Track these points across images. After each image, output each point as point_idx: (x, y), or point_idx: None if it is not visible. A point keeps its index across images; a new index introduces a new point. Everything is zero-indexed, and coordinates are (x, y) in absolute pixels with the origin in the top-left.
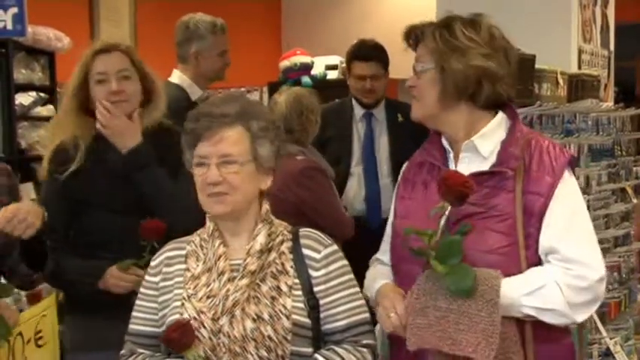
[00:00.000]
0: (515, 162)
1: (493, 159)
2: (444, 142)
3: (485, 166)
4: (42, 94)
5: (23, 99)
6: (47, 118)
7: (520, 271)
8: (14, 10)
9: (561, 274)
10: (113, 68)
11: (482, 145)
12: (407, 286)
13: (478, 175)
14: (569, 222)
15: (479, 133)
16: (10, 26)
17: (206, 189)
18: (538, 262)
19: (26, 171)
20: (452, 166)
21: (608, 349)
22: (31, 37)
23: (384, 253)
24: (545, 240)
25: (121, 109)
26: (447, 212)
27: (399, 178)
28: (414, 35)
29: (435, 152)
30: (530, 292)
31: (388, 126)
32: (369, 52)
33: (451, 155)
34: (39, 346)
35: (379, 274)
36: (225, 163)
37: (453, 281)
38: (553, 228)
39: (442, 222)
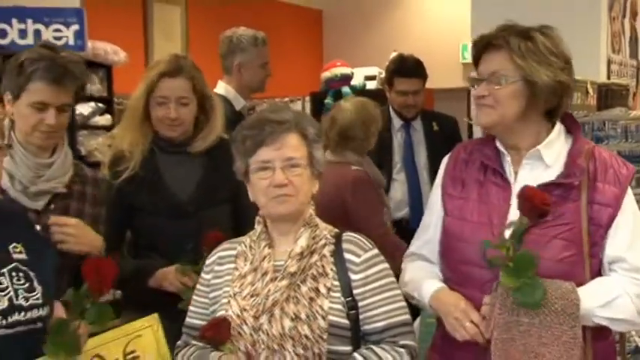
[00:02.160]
0: (582, 174)
1: (557, 168)
2: (499, 146)
3: (548, 174)
4: (100, 105)
5: (83, 109)
6: (104, 127)
7: (584, 280)
8: (75, 27)
9: (630, 284)
10: (174, 94)
11: (546, 154)
12: (468, 289)
13: (547, 186)
14: (634, 233)
15: (544, 142)
16: (71, 42)
17: (272, 191)
18: (600, 271)
19: None
20: (508, 170)
21: (637, 346)
22: (91, 52)
23: (421, 248)
24: (612, 250)
25: (174, 132)
26: (511, 218)
27: (442, 174)
28: (488, 44)
29: (489, 153)
30: (604, 305)
31: (425, 135)
32: (411, 69)
33: (508, 159)
34: None
35: (425, 272)
36: (290, 166)
37: (522, 294)
38: (620, 238)
39: (507, 232)
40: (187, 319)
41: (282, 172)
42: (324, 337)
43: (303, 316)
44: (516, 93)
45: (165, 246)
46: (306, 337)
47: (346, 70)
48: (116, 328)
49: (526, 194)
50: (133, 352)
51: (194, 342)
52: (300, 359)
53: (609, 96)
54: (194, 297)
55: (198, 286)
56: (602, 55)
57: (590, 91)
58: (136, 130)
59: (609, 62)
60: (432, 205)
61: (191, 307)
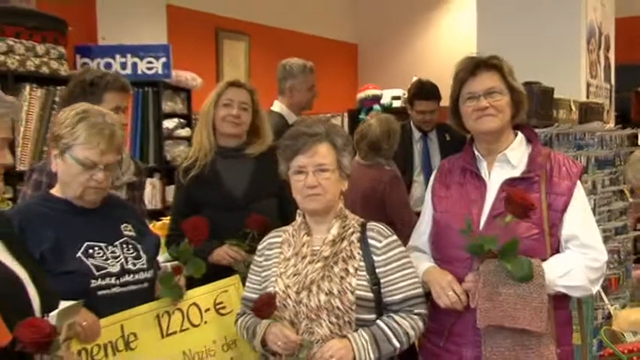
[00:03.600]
0: (540, 169)
1: (521, 167)
2: (477, 153)
3: (514, 172)
4: (182, 120)
5: (169, 124)
6: (185, 138)
7: (545, 253)
8: (163, 59)
9: (581, 258)
10: (238, 98)
11: (512, 157)
12: (453, 265)
13: (514, 180)
14: (583, 217)
15: (509, 147)
16: (160, 71)
17: (305, 191)
18: (557, 247)
19: (170, 177)
20: (484, 172)
21: (609, 313)
22: (175, 79)
23: (416, 240)
24: (567, 229)
25: (237, 129)
26: (488, 208)
27: (433, 181)
28: (478, 65)
29: (468, 159)
30: (562, 275)
31: (440, 145)
32: (429, 93)
33: (484, 163)
34: (221, 314)
35: (421, 258)
36: (320, 171)
37: (517, 271)
38: (573, 221)
39: (483, 219)
40: (244, 293)
41: (313, 175)
42: (353, 308)
43: (335, 291)
44: (509, 103)
45: (222, 231)
46: (338, 308)
47: (376, 92)
48: (207, 285)
49: (511, 195)
50: (221, 302)
51: (249, 311)
52: (333, 327)
53: (588, 112)
54: (250, 275)
55: (252, 267)
56: (582, 79)
57: (573, 108)
58: (203, 139)
59: (588, 85)
60: (425, 208)
61: (247, 284)
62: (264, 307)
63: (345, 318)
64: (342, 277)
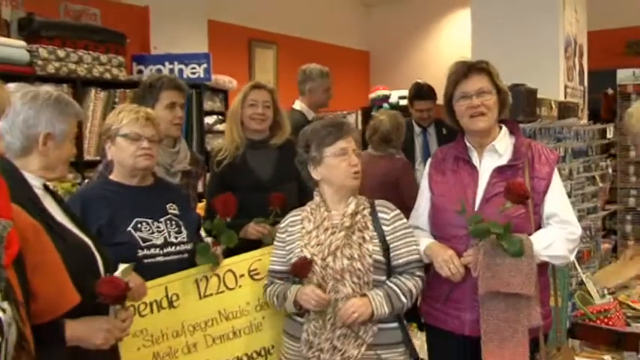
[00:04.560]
0: (524, 157)
1: (507, 156)
2: (468, 144)
3: (501, 160)
4: (220, 117)
5: (209, 120)
6: (222, 132)
7: (531, 229)
8: (205, 65)
9: (561, 232)
10: (261, 98)
11: (499, 147)
12: (451, 242)
13: (502, 167)
14: (561, 198)
15: (496, 139)
16: (202, 75)
17: (351, 169)
18: (540, 223)
19: (210, 165)
20: (475, 160)
21: (582, 280)
22: (214, 81)
23: (416, 220)
24: (548, 208)
25: (262, 125)
26: (482, 192)
27: (429, 168)
28: (470, 69)
29: (460, 149)
30: (546, 246)
31: (437, 138)
32: (425, 94)
33: (474, 152)
34: (255, 280)
35: (422, 235)
36: (357, 155)
37: (511, 248)
38: (553, 201)
39: (478, 201)
40: (270, 266)
41: (355, 157)
42: (371, 270)
43: (356, 256)
44: (496, 102)
45: (252, 210)
46: (359, 270)
47: (386, 92)
48: (243, 254)
49: (510, 184)
50: (255, 269)
51: (277, 281)
52: (355, 286)
53: (566, 110)
54: (274, 250)
55: (276, 243)
56: (560, 82)
57: (553, 106)
58: (234, 135)
59: (565, 87)
60: (422, 191)
61: (272, 258)
62: (303, 268)
63: (364, 279)
64: (360, 244)
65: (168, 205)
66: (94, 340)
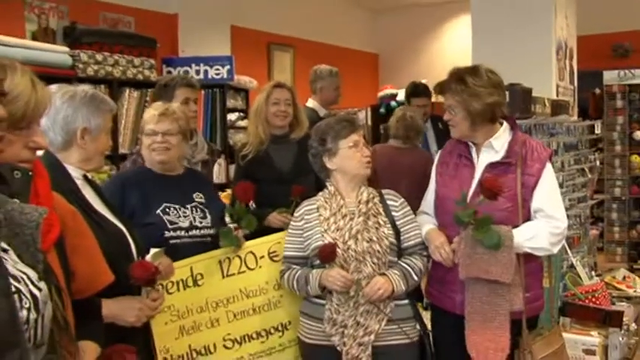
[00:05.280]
0: (517, 155)
1: (502, 152)
2: (468, 142)
3: (497, 157)
4: (241, 114)
5: (231, 117)
6: (244, 127)
7: (518, 222)
8: (228, 67)
9: (546, 225)
10: (283, 97)
11: (495, 144)
12: (449, 229)
13: (495, 163)
14: (549, 193)
15: (493, 137)
16: (225, 75)
17: (363, 159)
18: (529, 216)
19: (232, 158)
20: (474, 157)
21: (572, 264)
22: (236, 81)
23: (424, 206)
24: (536, 203)
25: (285, 121)
26: (474, 186)
27: (437, 161)
28: (441, 89)
29: (461, 146)
30: (529, 239)
31: (434, 131)
32: (421, 92)
33: (474, 150)
34: (274, 261)
35: (425, 220)
36: (366, 146)
37: (486, 240)
38: (540, 196)
39: (470, 194)
40: (286, 252)
41: (366, 149)
42: (388, 251)
43: (374, 238)
44: (463, 118)
45: (275, 200)
46: (378, 251)
47: (393, 91)
48: (263, 237)
49: (484, 181)
50: (274, 252)
51: (294, 266)
52: (375, 266)
53: (558, 107)
54: (289, 238)
55: (290, 230)
56: (553, 82)
57: (547, 104)
58: (259, 131)
59: (557, 87)
60: (431, 180)
61: (287, 245)
62: (332, 253)
63: (382, 259)
64: (376, 228)
65: (195, 194)
66: (127, 317)
